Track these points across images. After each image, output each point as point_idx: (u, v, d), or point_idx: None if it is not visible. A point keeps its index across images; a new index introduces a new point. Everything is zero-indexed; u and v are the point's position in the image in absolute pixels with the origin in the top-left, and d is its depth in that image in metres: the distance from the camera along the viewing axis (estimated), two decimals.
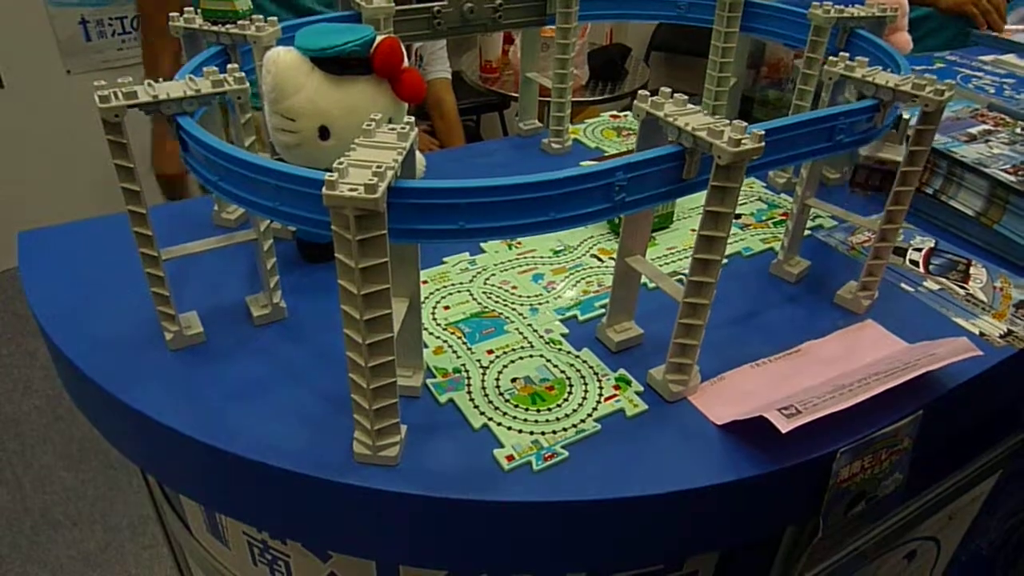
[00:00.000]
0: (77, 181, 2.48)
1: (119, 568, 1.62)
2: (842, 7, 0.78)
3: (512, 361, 0.62)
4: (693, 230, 0.52)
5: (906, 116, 0.74)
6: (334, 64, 0.58)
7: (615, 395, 0.59)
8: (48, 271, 0.71)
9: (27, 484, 1.79)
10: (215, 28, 0.66)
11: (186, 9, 0.66)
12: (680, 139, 0.50)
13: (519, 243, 0.78)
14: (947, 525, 0.90)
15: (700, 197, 0.51)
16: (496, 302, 0.69)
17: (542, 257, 0.76)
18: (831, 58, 0.64)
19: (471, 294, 0.70)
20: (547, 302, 0.69)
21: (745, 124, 0.49)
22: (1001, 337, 0.67)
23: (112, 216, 0.76)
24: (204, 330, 0.62)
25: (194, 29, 0.67)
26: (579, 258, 0.76)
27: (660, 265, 0.75)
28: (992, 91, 1.07)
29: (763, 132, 0.49)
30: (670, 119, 0.51)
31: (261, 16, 0.67)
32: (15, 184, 2.47)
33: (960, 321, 0.69)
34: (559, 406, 0.58)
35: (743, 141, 0.48)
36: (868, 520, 0.65)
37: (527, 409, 0.57)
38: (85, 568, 1.61)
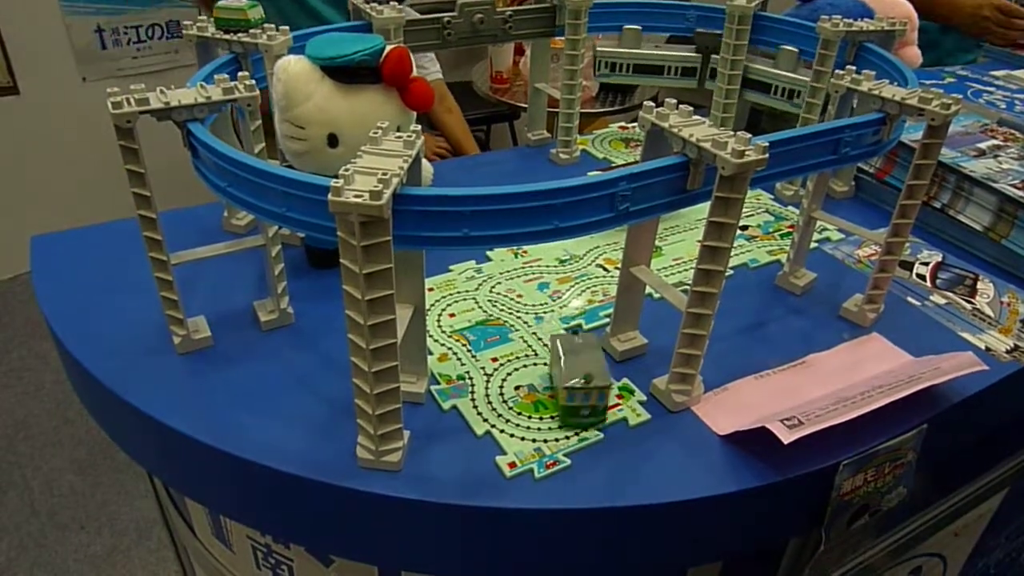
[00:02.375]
0: (91, 187, 2.51)
1: (125, 572, 1.63)
2: (851, 20, 0.79)
3: (516, 369, 0.62)
4: (700, 241, 0.53)
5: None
6: (343, 73, 0.59)
7: (618, 404, 0.59)
8: (60, 275, 0.72)
9: (35, 487, 1.80)
10: (227, 36, 0.67)
11: (198, 18, 0.67)
12: (685, 150, 0.51)
13: (525, 252, 0.78)
14: (953, 541, 0.89)
15: (708, 208, 0.52)
16: (501, 310, 0.69)
17: (548, 266, 0.76)
18: (838, 71, 0.64)
19: (476, 302, 0.71)
20: (552, 311, 0.70)
21: (749, 136, 0.49)
22: (1007, 352, 0.67)
23: (123, 221, 0.76)
24: (212, 334, 0.63)
25: (206, 37, 0.68)
26: (585, 267, 0.76)
27: (666, 275, 0.76)
28: (1003, 106, 1.07)
29: (767, 144, 0.49)
30: (675, 130, 0.51)
31: (273, 25, 0.67)
32: (30, 189, 2.49)
33: (966, 335, 0.69)
34: None
35: (747, 152, 0.48)
36: (872, 534, 0.65)
37: (530, 417, 0.57)
38: (91, 571, 1.62)
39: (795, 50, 0.89)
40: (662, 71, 0.96)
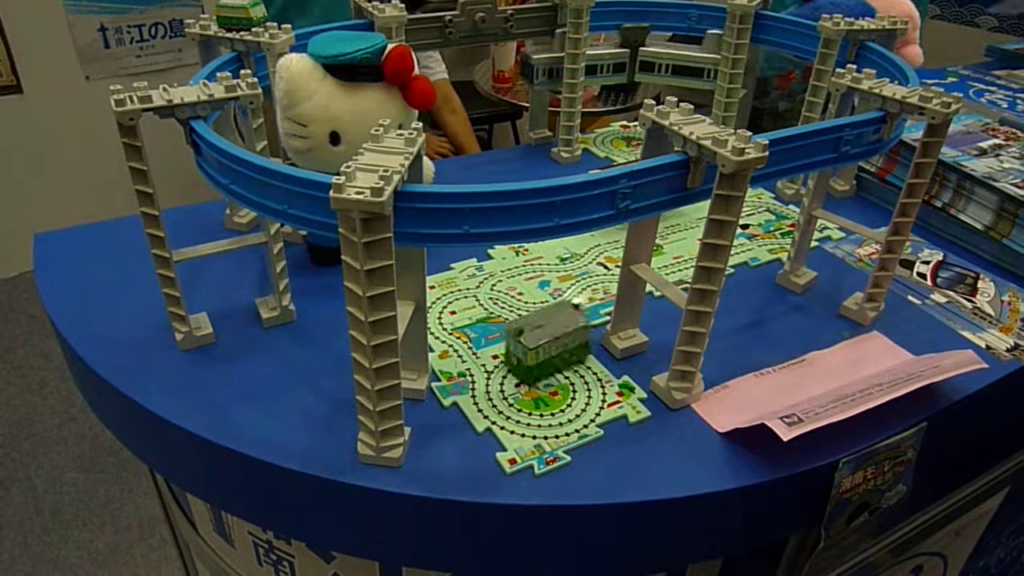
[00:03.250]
0: (93, 185, 2.51)
1: (127, 569, 1.63)
2: (852, 19, 0.79)
3: None
4: (700, 239, 0.53)
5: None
6: (345, 71, 0.59)
7: (618, 401, 0.59)
8: (62, 272, 0.72)
9: (39, 484, 1.81)
10: (229, 35, 0.67)
11: (201, 16, 0.68)
12: (685, 148, 0.51)
13: (526, 250, 0.79)
14: (954, 541, 0.89)
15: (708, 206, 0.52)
16: (502, 308, 0.70)
17: (549, 264, 0.77)
18: (838, 70, 0.64)
19: (477, 300, 0.71)
20: None
21: (749, 134, 0.49)
22: (1008, 351, 0.67)
23: (126, 218, 0.77)
24: (214, 331, 0.63)
25: (209, 35, 0.68)
26: (586, 266, 0.77)
27: (666, 274, 0.76)
28: (1005, 105, 1.07)
29: (767, 142, 0.49)
30: (675, 128, 0.51)
31: (275, 23, 0.68)
32: (33, 187, 2.50)
33: (967, 334, 0.69)
34: (562, 411, 0.58)
35: (747, 150, 0.48)
36: (871, 532, 0.65)
37: (530, 414, 0.58)
38: (94, 568, 1.63)
39: (719, 32, 0.91)
40: (596, 70, 0.96)
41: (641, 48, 0.96)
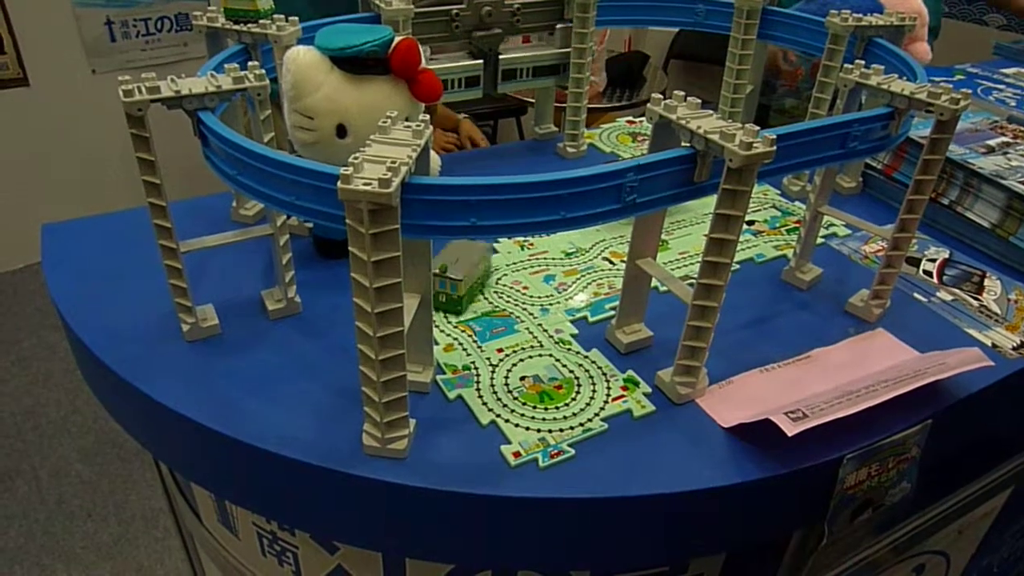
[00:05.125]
0: (99, 179, 2.52)
1: (131, 559, 1.64)
2: (860, 15, 0.79)
3: (521, 360, 0.62)
4: (706, 235, 0.53)
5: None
6: (353, 64, 0.59)
7: (623, 396, 0.59)
8: (70, 263, 0.72)
9: (43, 475, 1.82)
10: (237, 27, 0.67)
11: (209, 9, 0.68)
12: (692, 142, 0.51)
13: (531, 244, 0.79)
14: (957, 539, 0.89)
15: (714, 201, 0.52)
16: (507, 302, 0.70)
17: (554, 259, 0.77)
18: (846, 66, 0.64)
19: (483, 293, 0.71)
20: (558, 303, 0.70)
21: (757, 128, 0.49)
22: (1014, 349, 0.67)
23: (133, 210, 0.77)
24: (220, 322, 0.63)
25: (216, 28, 0.68)
26: (591, 260, 0.77)
27: (672, 269, 0.76)
28: (1013, 104, 1.06)
29: (775, 136, 0.49)
30: (683, 122, 0.51)
31: (283, 16, 0.68)
32: (39, 180, 2.51)
33: (973, 332, 0.69)
34: (567, 405, 0.58)
35: (755, 145, 0.48)
36: (875, 529, 0.65)
37: (535, 407, 0.58)
38: (98, 559, 1.63)
39: (568, 25, 0.90)
40: (445, 86, 0.87)
41: (501, 56, 0.89)
